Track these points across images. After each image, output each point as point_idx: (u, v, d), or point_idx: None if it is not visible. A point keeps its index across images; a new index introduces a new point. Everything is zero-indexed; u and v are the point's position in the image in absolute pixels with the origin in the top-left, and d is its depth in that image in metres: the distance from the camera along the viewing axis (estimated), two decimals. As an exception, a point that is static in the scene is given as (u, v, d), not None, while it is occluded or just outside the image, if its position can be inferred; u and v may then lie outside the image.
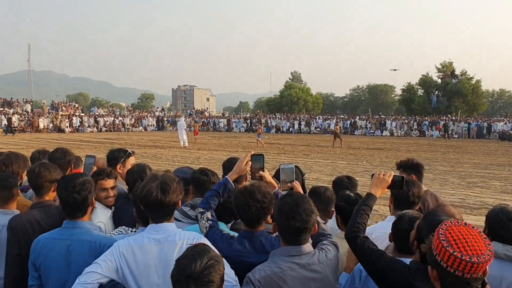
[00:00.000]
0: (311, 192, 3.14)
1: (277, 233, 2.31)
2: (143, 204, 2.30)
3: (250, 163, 2.76)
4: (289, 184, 2.68)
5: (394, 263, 2.09)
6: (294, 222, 2.13)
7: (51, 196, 2.97)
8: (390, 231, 2.46)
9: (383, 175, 2.53)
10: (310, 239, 2.27)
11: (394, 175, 2.56)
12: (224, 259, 2.12)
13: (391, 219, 2.96)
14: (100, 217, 2.99)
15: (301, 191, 2.64)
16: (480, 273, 1.60)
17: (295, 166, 2.87)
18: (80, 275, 2.18)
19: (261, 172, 2.77)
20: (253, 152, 2.82)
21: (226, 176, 2.70)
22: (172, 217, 2.37)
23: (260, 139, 26.00)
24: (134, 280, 2.22)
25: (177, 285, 1.73)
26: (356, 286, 2.40)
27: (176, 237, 2.28)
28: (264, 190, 2.45)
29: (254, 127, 43.50)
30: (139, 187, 2.39)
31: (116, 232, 2.81)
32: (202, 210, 2.56)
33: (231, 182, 2.67)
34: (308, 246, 2.22)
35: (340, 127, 34.12)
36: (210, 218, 2.52)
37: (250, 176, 2.83)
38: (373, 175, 2.59)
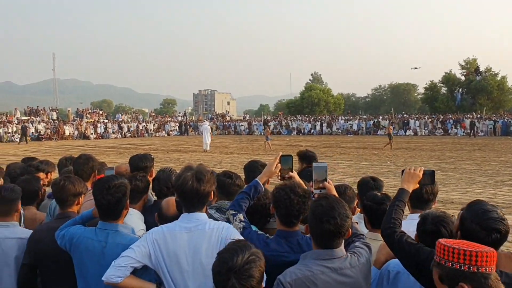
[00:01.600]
0: None
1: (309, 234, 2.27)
2: (179, 192, 2.40)
3: (279, 165, 2.75)
4: (321, 184, 2.58)
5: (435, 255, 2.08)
6: (328, 225, 2.08)
7: (74, 208, 3.01)
8: (415, 232, 2.42)
9: (414, 170, 2.53)
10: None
11: (424, 170, 2.54)
12: None
13: (412, 217, 2.95)
14: (139, 224, 2.99)
15: (334, 192, 2.58)
16: (490, 265, 1.65)
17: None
18: None
19: (290, 173, 2.76)
20: (281, 154, 2.82)
21: (256, 179, 2.72)
22: (204, 207, 2.45)
23: (268, 141, 25.94)
24: (165, 265, 2.32)
25: (217, 277, 1.78)
26: (384, 287, 2.40)
27: (206, 226, 2.37)
28: (303, 187, 2.48)
29: (262, 130, 43.00)
30: (175, 177, 2.47)
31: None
32: (233, 212, 2.57)
33: (261, 185, 2.69)
34: (340, 250, 2.16)
35: (392, 128, 32.83)
36: (243, 219, 2.54)
37: (279, 177, 2.81)
38: (403, 171, 2.58)
